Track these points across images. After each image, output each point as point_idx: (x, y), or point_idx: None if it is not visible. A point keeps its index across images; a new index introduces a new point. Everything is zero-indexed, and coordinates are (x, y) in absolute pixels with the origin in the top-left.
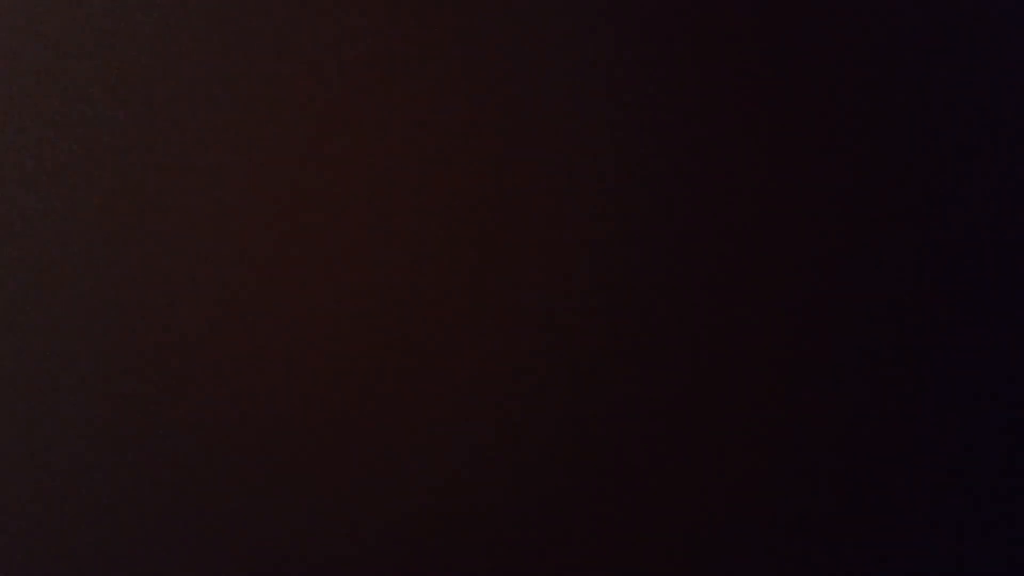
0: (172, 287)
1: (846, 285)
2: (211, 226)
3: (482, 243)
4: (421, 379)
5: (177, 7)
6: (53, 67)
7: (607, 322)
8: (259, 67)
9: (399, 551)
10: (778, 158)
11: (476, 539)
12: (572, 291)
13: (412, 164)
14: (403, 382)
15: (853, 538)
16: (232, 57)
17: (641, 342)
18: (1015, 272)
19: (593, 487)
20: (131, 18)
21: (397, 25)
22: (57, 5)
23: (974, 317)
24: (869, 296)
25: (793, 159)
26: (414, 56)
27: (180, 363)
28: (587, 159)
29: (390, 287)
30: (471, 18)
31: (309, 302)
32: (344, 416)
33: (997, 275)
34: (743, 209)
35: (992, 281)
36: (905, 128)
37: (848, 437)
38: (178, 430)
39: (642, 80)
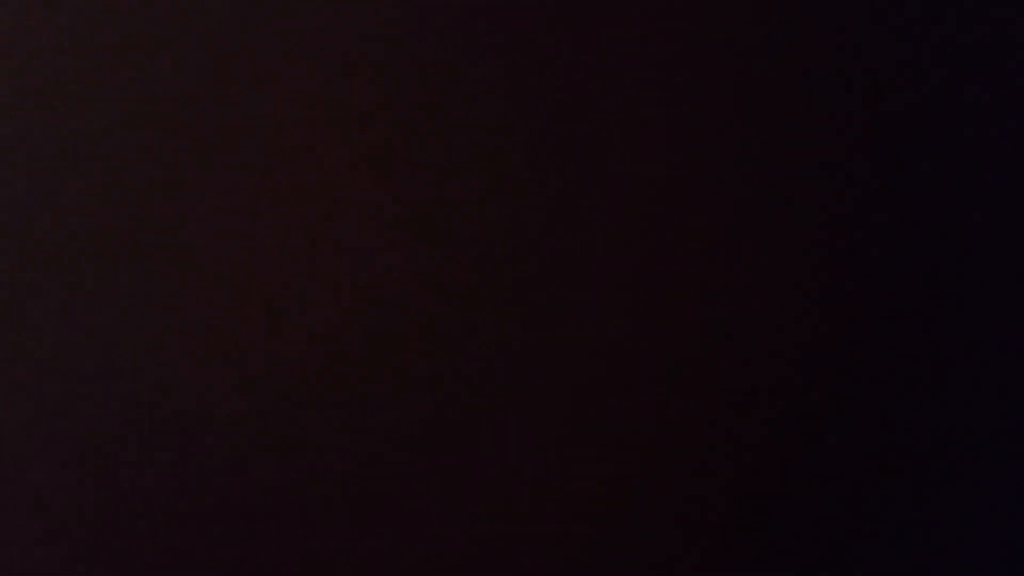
0: (171, 287)
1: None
2: (209, 225)
3: (478, 242)
4: (425, 380)
5: (177, 7)
6: (52, 67)
7: (606, 321)
8: (258, 66)
9: (401, 552)
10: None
11: (475, 539)
12: (572, 290)
13: (411, 164)
14: (406, 383)
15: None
16: (230, 55)
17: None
18: (1015, 272)
19: (590, 486)
20: (131, 17)
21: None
22: (57, 5)
23: (973, 317)
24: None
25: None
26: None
27: (180, 363)
28: (584, 158)
29: (390, 287)
30: (466, 18)
31: (309, 302)
32: (342, 416)
33: (998, 275)
34: (741, 207)
35: (992, 282)
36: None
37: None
38: (178, 431)
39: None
